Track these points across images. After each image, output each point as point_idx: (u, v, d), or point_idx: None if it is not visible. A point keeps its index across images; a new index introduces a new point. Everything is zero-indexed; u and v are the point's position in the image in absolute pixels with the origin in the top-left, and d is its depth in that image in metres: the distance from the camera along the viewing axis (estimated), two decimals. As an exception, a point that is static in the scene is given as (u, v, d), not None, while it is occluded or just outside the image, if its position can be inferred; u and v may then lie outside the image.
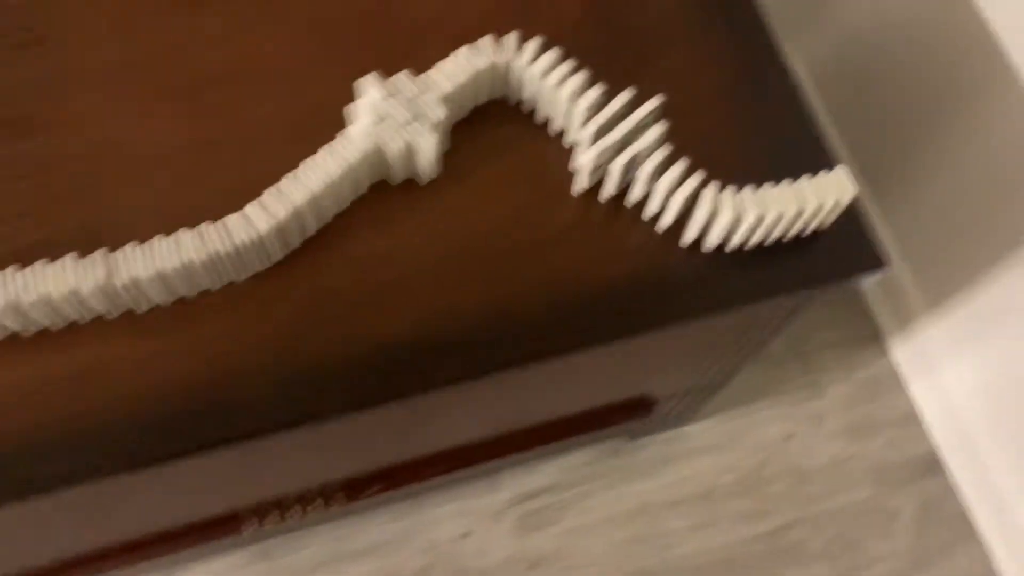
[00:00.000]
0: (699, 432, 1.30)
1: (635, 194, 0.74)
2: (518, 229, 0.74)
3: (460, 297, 0.71)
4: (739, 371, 1.08)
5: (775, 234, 0.73)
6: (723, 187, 0.70)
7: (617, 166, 0.71)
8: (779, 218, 0.70)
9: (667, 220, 0.73)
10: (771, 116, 0.80)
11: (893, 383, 1.36)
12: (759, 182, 0.72)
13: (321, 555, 1.18)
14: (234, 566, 1.16)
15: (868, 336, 1.39)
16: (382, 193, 0.73)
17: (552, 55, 0.72)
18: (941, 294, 1.28)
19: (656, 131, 0.72)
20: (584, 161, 0.71)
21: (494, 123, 0.78)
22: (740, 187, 0.71)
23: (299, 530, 1.17)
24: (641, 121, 0.72)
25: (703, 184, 0.71)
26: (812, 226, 0.74)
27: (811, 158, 0.78)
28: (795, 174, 0.74)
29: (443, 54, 0.73)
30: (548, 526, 1.22)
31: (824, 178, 0.71)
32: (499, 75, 0.75)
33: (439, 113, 0.70)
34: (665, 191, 0.71)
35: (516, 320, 0.71)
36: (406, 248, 0.72)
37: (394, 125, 0.69)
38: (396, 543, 1.19)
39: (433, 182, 0.74)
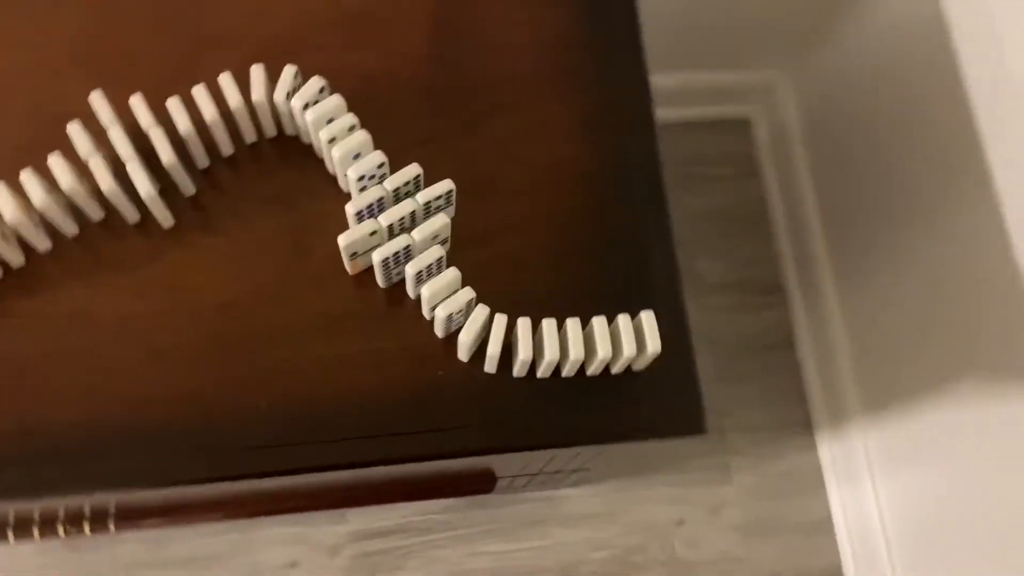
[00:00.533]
0: (581, 497, 1.17)
1: (409, 290, 0.60)
2: (272, 306, 0.61)
3: (175, 378, 0.58)
4: (601, 456, 0.94)
5: (565, 371, 0.59)
6: (510, 309, 0.56)
7: (377, 258, 0.57)
8: (559, 360, 0.56)
9: (438, 331, 0.59)
10: (620, 226, 0.65)
11: (812, 483, 1.21)
12: (569, 306, 0.58)
13: (132, 556, 1.09)
14: (42, 550, 1.09)
15: (797, 424, 1.23)
16: (106, 234, 0.60)
17: (331, 103, 0.58)
18: (882, 402, 1.11)
19: (438, 222, 0.57)
20: (341, 243, 0.57)
21: (285, 164, 0.64)
22: (540, 310, 0.57)
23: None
24: (430, 204, 0.58)
25: (473, 303, 0.56)
26: (618, 367, 0.59)
27: (655, 287, 0.63)
28: (623, 303, 0.60)
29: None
30: (384, 573, 1.11)
31: (640, 323, 0.56)
32: (285, 111, 0.61)
33: (164, 154, 0.56)
34: (429, 301, 0.57)
35: (237, 419, 0.58)
36: (113, 309, 0.59)
37: (109, 158, 0.56)
38: (215, 559, 1.10)
39: (175, 229, 0.61)
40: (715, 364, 1.24)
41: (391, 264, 0.58)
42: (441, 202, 0.59)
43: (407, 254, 0.57)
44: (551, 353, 0.55)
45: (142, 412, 0.57)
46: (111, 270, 0.59)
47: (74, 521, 0.86)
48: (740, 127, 1.36)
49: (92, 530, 0.86)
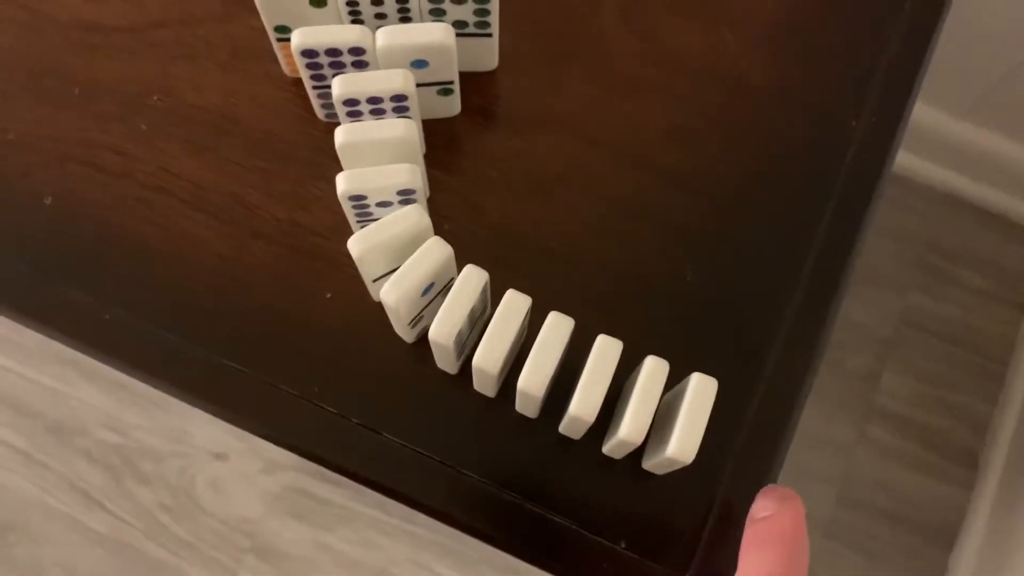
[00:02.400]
0: None
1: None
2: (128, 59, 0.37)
3: None
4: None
5: (564, 425, 0.31)
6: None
7: (295, 42, 0.30)
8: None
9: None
10: (768, 226, 0.35)
11: None
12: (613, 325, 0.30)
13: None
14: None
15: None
16: None
17: None
18: None
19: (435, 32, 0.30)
20: (259, -6, 0.31)
21: None
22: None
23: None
24: None
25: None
26: (611, 446, 0.30)
27: (766, 364, 0.33)
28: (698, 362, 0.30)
29: None
30: (310, 524, 0.87)
31: (682, 393, 0.27)
32: None
33: None
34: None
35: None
36: None
37: None
38: (144, 404, 0.90)
39: None
40: (831, 512, 0.89)
41: (324, 67, 0.31)
42: (489, 15, 0.31)
43: (358, 55, 0.30)
44: (532, 382, 0.27)
45: None
46: None
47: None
48: (1032, 238, 0.98)
49: None
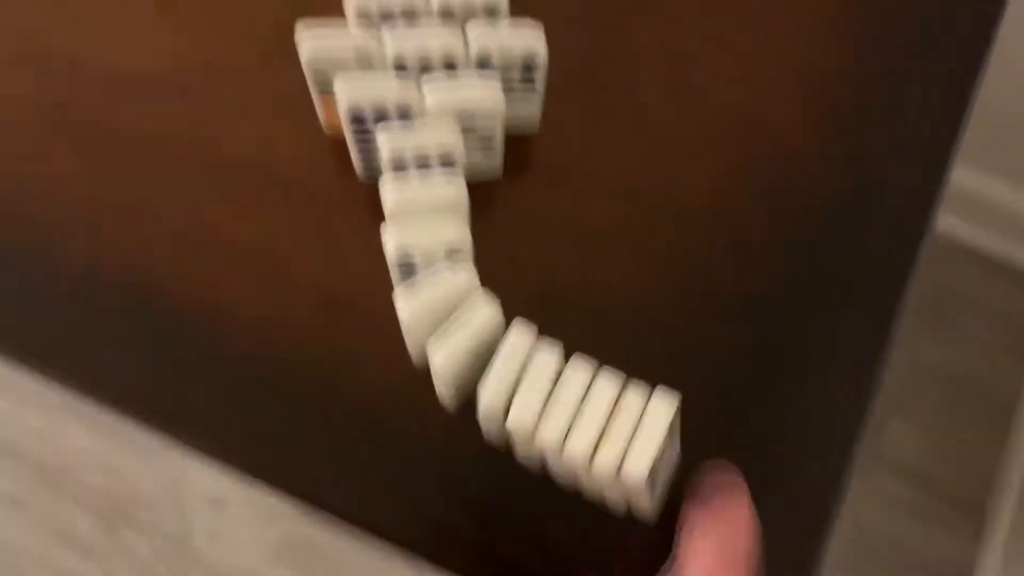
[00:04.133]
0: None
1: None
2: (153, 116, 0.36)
3: None
4: None
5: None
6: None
7: (341, 99, 0.30)
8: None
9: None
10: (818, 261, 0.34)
11: None
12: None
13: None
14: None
15: None
16: None
17: None
18: None
19: (481, 94, 0.29)
20: (300, 46, 0.31)
21: None
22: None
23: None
24: (511, 65, 0.30)
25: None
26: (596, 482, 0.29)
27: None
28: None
29: None
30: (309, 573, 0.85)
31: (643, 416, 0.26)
32: None
33: None
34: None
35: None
36: None
37: None
38: (152, 454, 0.88)
39: None
40: (838, 567, 0.88)
41: (368, 122, 0.30)
42: (535, 74, 0.31)
43: (404, 112, 0.30)
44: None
45: None
46: None
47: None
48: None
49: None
